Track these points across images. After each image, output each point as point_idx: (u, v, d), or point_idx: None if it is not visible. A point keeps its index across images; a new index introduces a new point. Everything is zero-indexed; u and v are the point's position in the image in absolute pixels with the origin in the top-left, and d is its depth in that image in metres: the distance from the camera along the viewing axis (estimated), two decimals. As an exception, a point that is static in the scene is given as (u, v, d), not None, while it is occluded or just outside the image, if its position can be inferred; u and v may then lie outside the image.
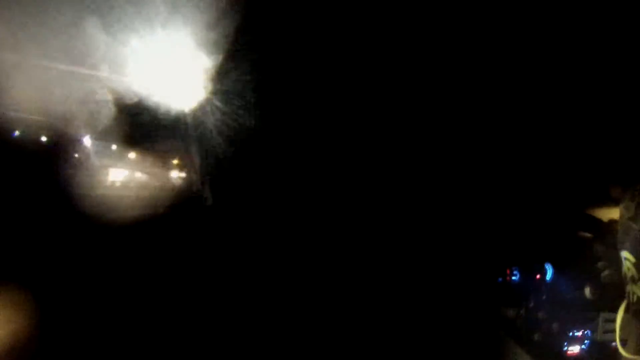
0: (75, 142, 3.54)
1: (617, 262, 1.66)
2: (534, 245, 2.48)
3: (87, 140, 3.62)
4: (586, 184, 2.31)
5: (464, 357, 2.46)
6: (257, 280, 2.88)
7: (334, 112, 3.02)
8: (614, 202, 1.84)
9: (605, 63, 2.27)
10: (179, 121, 3.11)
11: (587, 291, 2.22)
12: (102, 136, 3.43)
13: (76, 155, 3.61)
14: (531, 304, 2.40)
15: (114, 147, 4.00)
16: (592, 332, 2.23)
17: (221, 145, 3.10)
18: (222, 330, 2.64)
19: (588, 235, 2.33)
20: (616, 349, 1.69)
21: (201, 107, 3.03)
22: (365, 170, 3.12)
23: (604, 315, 2.15)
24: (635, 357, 1.60)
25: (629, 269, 1.59)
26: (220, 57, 2.78)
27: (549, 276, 2.39)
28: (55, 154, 3.33)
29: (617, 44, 2.21)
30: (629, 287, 1.61)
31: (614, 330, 1.72)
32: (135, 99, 2.83)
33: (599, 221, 2.25)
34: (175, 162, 4.34)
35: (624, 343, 1.66)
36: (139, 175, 4.47)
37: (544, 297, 2.37)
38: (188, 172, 4.10)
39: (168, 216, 3.45)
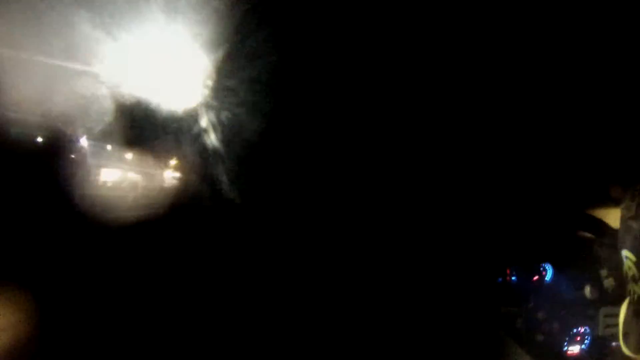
0: (72, 143, 3.51)
1: (618, 262, 1.67)
2: (534, 245, 2.49)
3: (83, 141, 3.59)
4: (586, 184, 2.32)
5: (464, 357, 2.46)
6: (257, 280, 2.87)
7: (334, 112, 3.01)
8: (614, 202, 1.85)
9: (605, 63, 2.28)
10: (176, 121, 3.10)
11: (587, 291, 2.22)
12: (98, 137, 3.40)
13: (72, 155, 3.58)
14: (531, 304, 2.41)
15: (109, 147, 3.97)
16: (593, 329, 2.23)
17: (218, 145, 3.08)
18: (222, 330, 2.62)
19: (588, 235, 2.34)
20: (616, 348, 1.69)
21: (198, 108, 3.02)
22: (365, 170, 3.12)
23: (604, 310, 2.13)
24: (637, 356, 1.60)
25: (629, 268, 1.60)
26: (216, 57, 2.77)
27: (549, 276, 2.40)
28: (51, 154, 3.30)
29: (616, 44, 2.22)
30: (630, 286, 1.61)
31: (615, 325, 1.73)
32: (132, 100, 2.82)
33: (599, 221, 2.26)
34: (172, 162, 4.32)
35: (626, 340, 1.67)
36: (132, 176, 4.45)
37: (544, 297, 2.38)
38: (184, 173, 4.09)
39: (163, 216, 3.43)
